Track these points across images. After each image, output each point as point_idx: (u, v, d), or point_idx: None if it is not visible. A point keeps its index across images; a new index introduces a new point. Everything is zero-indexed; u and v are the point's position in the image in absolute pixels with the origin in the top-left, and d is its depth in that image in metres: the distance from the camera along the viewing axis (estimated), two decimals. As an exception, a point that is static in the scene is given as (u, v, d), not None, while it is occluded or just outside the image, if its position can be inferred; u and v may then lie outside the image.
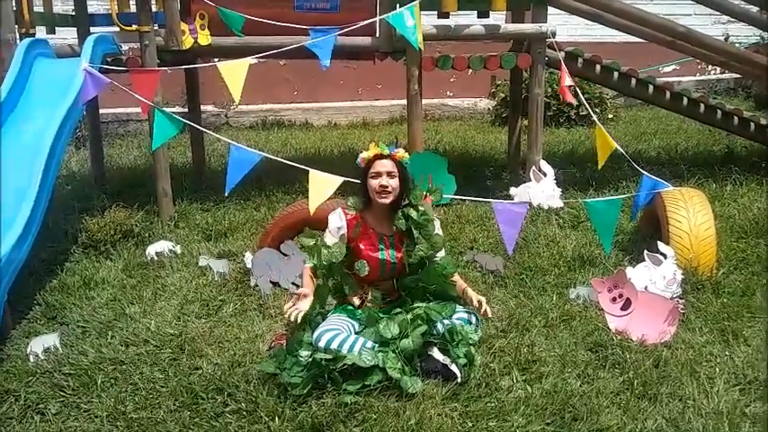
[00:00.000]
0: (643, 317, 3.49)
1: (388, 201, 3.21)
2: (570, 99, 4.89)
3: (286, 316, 3.06)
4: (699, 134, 7.94)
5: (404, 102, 5.66)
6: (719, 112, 6.25)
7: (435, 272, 3.27)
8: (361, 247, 3.26)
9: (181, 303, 3.90)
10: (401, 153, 3.26)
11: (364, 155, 3.24)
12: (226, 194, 3.99)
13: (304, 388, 2.89)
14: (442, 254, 3.35)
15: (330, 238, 3.29)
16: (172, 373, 3.16)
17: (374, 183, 3.20)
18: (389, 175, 3.20)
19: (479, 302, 3.22)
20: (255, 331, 3.55)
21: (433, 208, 3.45)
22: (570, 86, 4.95)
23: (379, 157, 3.22)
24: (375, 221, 3.31)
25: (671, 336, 3.39)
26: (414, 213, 3.25)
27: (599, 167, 4.31)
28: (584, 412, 2.81)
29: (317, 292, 3.23)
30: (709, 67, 11.05)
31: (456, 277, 3.38)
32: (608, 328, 3.50)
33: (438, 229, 3.35)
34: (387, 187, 3.19)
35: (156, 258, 4.50)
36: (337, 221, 3.30)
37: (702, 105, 6.22)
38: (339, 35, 4.69)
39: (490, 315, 3.24)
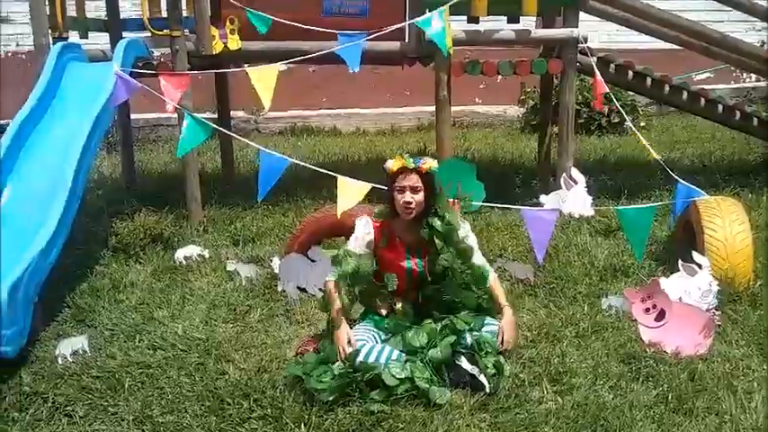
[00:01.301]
0: (678, 328, 3.40)
1: (411, 216, 3.14)
2: (601, 107, 4.81)
3: (344, 357, 3.00)
4: (733, 143, 7.79)
5: (432, 108, 5.63)
6: (756, 119, 6.12)
7: (458, 284, 3.21)
8: (388, 255, 3.22)
9: (208, 308, 3.89)
10: (428, 164, 3.12)
11: (390, 164, 3.14)
12: (258, 201, 3.98)
13: (332, 395, 2.86)
14: (478, 259, 3.28)
15: (356, 244, 3.24)
16: (198, 377, 3.15)
17: (399, 197, 3.12)
18: (414, 190, 3.09)
19: (501, 329, 3.17)
20: (282, 337, 3.54)
21: (462, 216, 3.38)
22: (604, 93, 4.87)
23: (404, 170, 3.11)
24: (401, 230, 3.24)
25: (707, 348, 3.30)
26: (437, 223, 3.15)
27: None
28: (617, 426, 2.74)
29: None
30: (745, 74, 10.86)
31: (494, 284, 3.31)
32: (641, 339, 3.42)
33: (468, 235, 3.27)
34: (411, 203, 3.10)
35: (184, 263, 4.51)
36: (364, 228, 3.24)
37: (738, 113, 6.10)
38: (367, 40, 4.67)
39: (504, 347, 3.15)
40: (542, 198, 5.39)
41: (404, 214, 3.14)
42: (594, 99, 5.21)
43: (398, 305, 3.23)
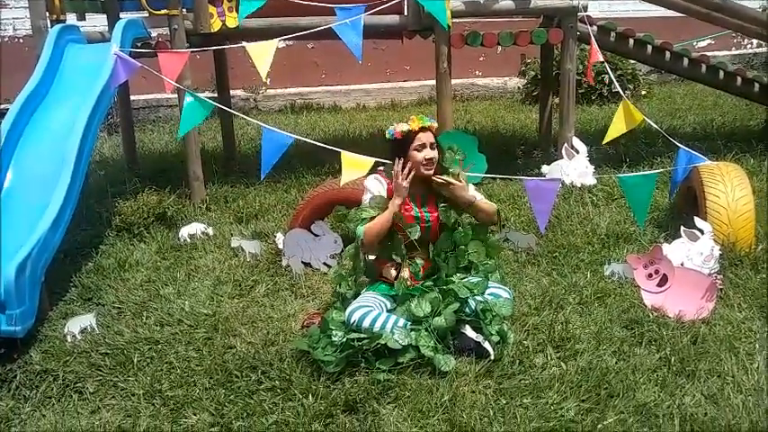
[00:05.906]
0: (680, 293, 3.42)
1: (432, 172, 3.24)
2: (592, 81, 4.80)
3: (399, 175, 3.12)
4: (735, 109, 7.77)
5: (432, 82, 5.62)
6: (757, 85, 6.09)
7: (466, 233, 3.33)
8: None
9: (214, 284, 3.93)
10: (435, 124, 3.29)
11: (404, 127, 3.20)
12: (261, 179, 3.99)
13: (337, 366, 2.90)
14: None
15: (372, 201, 3.29)
16: (206, 351, 3.19)
17: (419, 155, 3.20)
18: (431, 146, 3.22)
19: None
20: (288, 311, 3.57)
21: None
22: (599, 63, 4.85)
23: (423, 128, 3.22)
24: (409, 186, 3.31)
25: (709, 312, 3.33)
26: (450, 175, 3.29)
27: (603, 141, 4.28)
28: (621, 389, 2.77)
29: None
30: (746, 40, 10.78)
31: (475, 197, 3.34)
32: (644, 304, 3.44)
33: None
34: (432, 158, 3.21)
35: (188, 240, 4.54)
36: (377, 185, 3.31)
37: (739, 78, 6.07)
38: (366, 15, 4.64)
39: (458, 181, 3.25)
40: (544, 168, 5.39)
41: (424, 170, 3.21)
42: (587, 69, 5.19)
43: (405, 273, 3.26)
